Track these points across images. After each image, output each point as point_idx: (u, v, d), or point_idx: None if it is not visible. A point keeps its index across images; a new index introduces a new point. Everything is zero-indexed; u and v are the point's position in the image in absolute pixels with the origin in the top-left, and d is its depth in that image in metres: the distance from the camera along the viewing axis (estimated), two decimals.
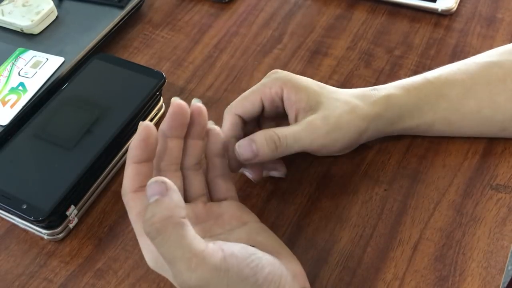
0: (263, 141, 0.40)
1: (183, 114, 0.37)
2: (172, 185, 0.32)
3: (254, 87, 0.44)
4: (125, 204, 0.35)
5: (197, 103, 0.38)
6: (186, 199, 0.39)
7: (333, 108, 0.42)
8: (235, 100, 0.44)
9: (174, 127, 0.37)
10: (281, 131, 0.41)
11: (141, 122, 0.35)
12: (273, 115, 0.45)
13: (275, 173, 0.46)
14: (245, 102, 0.43)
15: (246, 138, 0.41)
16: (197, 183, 0.39)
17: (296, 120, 0.43)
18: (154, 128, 0.35)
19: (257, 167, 0.44)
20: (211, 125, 0.40)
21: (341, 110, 0.42)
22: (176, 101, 0.37)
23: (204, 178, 0.40)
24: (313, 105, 0.42)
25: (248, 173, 0.44)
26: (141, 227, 0.34)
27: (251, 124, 0.45)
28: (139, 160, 0.35)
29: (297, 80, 0.43)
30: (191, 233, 0.31)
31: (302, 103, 0.42)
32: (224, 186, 0.40)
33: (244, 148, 0.40)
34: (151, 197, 0.31)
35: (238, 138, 0.42)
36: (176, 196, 0.32)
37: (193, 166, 0.39)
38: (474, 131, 0.46)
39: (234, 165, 0.42)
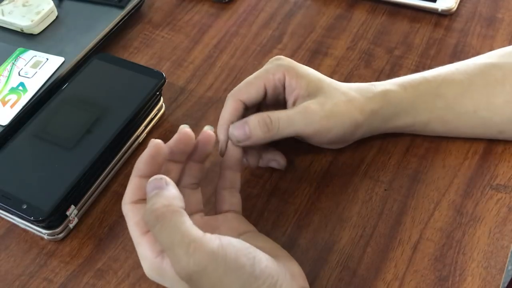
0: (255, 123, 0.41)
1: (187, 144, 0.38)
2: (170, 180, 0.34)
3: (257, 73, 0.44)
4: (124, 214, 0.36)
5: (208, 130, 0.39)
6: None
7: (331, 96, 0.43)
8: (239, 85, 0.44)
9: (176, 153, 0.38)
10: (275, 114, 0.42)
11: (152, 140, 0.36)
12: (274, 102, 0.45)
13: (274, 164, 0.46)
14: (249, 88, 0.43)
15: (240, 120, 0.42)
16: (193, 200, 0.40)
17: (294, 105, 0.43)
18: (164, 146, 0.36)
19: (253, 153, 0.44)
20: (231, 144, 0.41)
21: (339, 99, 0.43)
22: (183, 129, 0.37)
23: (200, 195, 0.41)
24: (312, 92, 0.43)
25: (245, 159, 0.44)
26: (139, 236, 0.35)
27: (252, 111, 0.45)
28: (143, 174, 0.36)
29: (300, 67, 0.44)
30: (189, 221, 0.32)
31: (302, 90, 0.43)
32: (228, 199, 0.41)
33: (237, 129, 0.41)
34: (151, 192, 0.33)
35: None
36: (174, 189, 0.34)
37: (190, 185, 0.40)
38: (471, 132, 0.46)
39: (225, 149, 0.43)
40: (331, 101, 0.42)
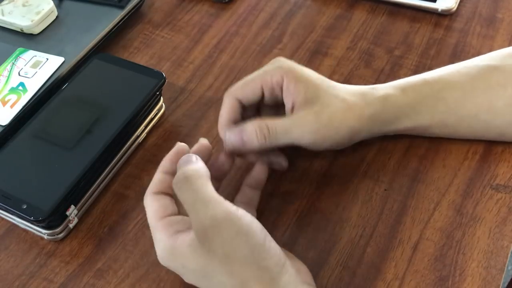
0: (252, 131, 0.41)
1: (206, 152, 0.41)
2: (200, 159, 0.38)
3: (256, 73, 0.44)
4: (145, 205, 0.39)
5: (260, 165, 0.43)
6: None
7: (328, 105, 0.43)
8: (236, 84, 0.44)
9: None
10: (272, 123, 0.42)
11: (178, 143, 0.40)
12: (273, 103, 0.45)
13: (276, 166, 0.45)
14: (246, 88, 0.44)
15: (237, 127, 0.42)
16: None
17: (292, 111, 0.43)
18: (187, 147, 0.40)
19: (254, 154, 0.45)
20: (259, 163, 0.43)
21: (336, 108, 0.43)
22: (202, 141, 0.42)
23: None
24: (309, 99, 0.42)
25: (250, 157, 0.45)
26: (156, 221, 0.37)
27: (251, 110, 0.46)
28: (167, 171, 0.39)
29: (299, 71, 0.43)
30: (212, 187, 0.36)
31: (299, 96, 0.42)
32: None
33: (234, 136, 0.42)
34: (181, 164, 0.37)
35: (235, 123, 0.44)
36: (202, 163, 0.37)
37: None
38: (471, 135, 0.46)
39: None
40: (328, 110, 0.42)
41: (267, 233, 0.35)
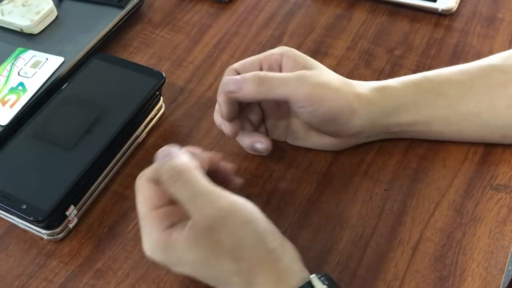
0: (249, 76, 0.42)
1: None
2: (183, 150, 0.38)
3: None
4: (135, 188, 0.37)
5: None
6: None
7: (328, 73, 0.44)
8: None
9: None
10: (271, 73, 0.43)
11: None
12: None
13: (258, 145, 0.46)
14: (246, 61, 0.46)
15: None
16: None
17: None
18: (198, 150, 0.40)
19: (234, 122, 0.45)
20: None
21: (335, 78, 0.44)
22: None
23: None
24: (309, 69, 0.44)
25: (225, 128, 0.45)
26: (148, 210, 0.36)
27: (255, 111, 0.47)
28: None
29: (299, 53, 0.45)
30: (207, 178, 0.36)
31: (299, 66, 0.43)
32: None
33: (232, 80, 0.43)
34: (163, 158, 0.37)
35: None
36: (188, 155, 0.37)
37: None
38: (475, 136, 0.46)
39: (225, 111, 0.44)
40: (328, 75, 0.44)
41: (266, 217, 0.36)
